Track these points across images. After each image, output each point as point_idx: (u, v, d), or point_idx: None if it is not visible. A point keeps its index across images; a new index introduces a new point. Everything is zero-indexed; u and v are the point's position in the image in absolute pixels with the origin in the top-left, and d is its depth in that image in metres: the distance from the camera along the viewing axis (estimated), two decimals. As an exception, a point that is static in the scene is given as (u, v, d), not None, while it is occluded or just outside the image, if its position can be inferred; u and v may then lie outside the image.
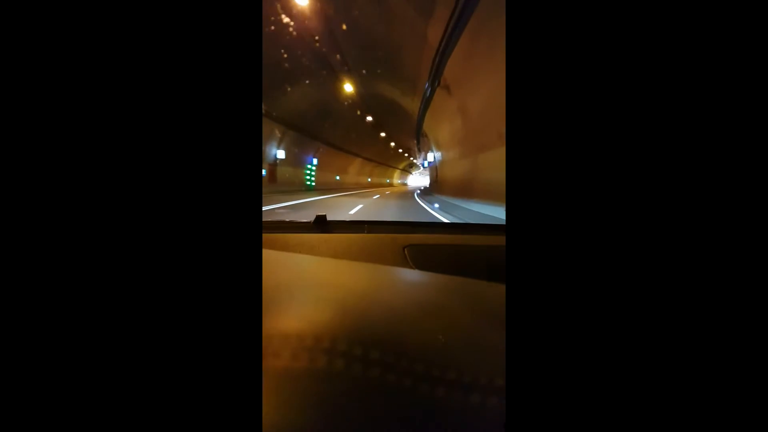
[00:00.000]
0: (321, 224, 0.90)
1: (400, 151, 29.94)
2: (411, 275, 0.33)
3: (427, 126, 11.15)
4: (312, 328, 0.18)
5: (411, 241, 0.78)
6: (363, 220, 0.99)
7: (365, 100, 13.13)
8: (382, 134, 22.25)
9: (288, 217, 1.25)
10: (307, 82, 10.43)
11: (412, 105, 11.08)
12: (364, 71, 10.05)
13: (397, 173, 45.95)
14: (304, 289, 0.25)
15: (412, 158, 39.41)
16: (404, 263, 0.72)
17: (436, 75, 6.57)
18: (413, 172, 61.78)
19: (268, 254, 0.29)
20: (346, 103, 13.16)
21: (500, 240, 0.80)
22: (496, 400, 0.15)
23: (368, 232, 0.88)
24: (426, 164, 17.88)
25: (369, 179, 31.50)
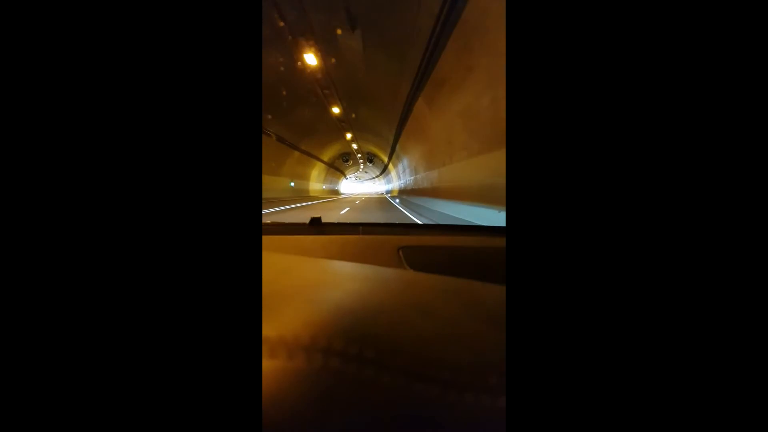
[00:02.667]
0: (316, 226, 0.98)
1: (336, 111, 8.66)
2: (406, 276, 0.33)
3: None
4: (308, 328, 0.18)
5: (405, 242, 0.81)
6: (358, 222, 1.05)
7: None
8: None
9: None
10: None
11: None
12: None
13: (316, 172, 22.85)
14: (300, 289, 0.25)
15: (352, 141, 18.16)
16: (399, 264, 0.74)
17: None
18: (349, 175, 39.80)
19: (264, 256, 0.29)
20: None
21: (494, 241, 0.85)
22: (490, 398, 0.15)
23: (363, 234, 0.92)
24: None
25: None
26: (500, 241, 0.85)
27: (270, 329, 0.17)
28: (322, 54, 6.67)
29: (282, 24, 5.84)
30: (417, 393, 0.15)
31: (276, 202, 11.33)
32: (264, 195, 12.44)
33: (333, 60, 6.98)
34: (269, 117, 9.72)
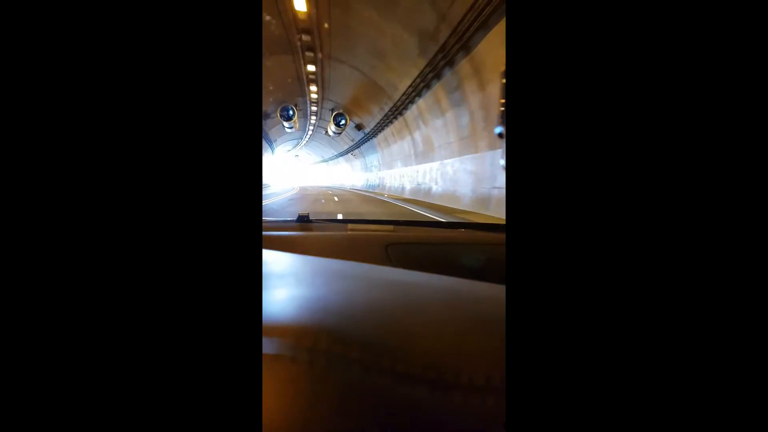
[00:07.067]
0: (303, 222, 0.97)
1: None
2: (392, 273, 0.33)
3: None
4: (292, 326, 0.18)
5: (393, 239, 0.82)
6: (345, 219, 1.09)
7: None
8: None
9: None
10: None
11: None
12: None
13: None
14: (285, 287, 0.25)
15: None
16: (386, 261, 0.75)
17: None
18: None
19: None
20: None
21: (482, 237, 0.90)
22: (477, 399, 0.15)
23: (350, 231, 0.92)
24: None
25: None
26: (489, 237, 0.89)
27: None
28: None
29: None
30: (402, 394, 0.15)
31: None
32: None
33: None
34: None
